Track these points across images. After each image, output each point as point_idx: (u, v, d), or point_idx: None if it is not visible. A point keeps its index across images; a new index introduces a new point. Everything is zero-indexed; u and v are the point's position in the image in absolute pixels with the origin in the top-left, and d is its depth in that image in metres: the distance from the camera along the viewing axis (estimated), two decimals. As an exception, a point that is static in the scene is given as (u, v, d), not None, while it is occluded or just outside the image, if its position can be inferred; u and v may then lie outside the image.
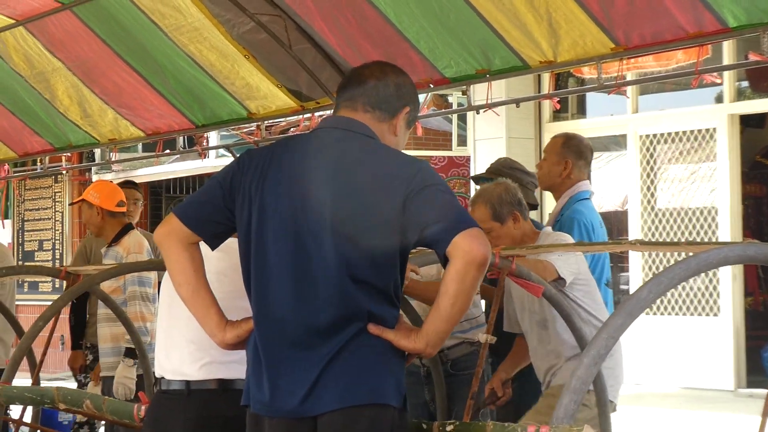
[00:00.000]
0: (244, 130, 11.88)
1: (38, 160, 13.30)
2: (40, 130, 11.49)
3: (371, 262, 3.87)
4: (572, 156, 7.35)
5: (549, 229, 6.71)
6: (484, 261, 3.81)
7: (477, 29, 7.63)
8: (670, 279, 3.79)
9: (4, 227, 16.05)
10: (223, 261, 4.29)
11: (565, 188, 7.32)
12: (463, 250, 3.75)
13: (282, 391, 3.89)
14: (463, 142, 17.54)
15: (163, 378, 4.61)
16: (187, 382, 4.52)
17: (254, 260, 4.01)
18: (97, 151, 16.55)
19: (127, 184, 9.23)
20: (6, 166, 12.79)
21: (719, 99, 15.03)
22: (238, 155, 4.71)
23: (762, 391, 13.71)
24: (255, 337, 3.99)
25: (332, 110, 9.06)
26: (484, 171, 8.35)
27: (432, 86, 8.48)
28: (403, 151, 7.25)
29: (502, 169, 7.90)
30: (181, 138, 12.17)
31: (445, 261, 3.83)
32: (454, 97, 14.89)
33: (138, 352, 7.49)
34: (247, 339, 4.05)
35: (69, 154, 12.91)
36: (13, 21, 10.06)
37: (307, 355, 3.88)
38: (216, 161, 16.87)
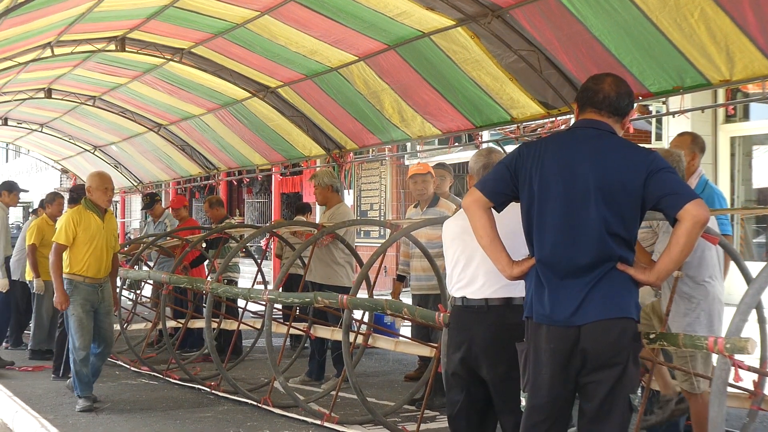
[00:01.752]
0: (507, 129, 11.75)
1: (371, 150, 13.53)
2: (373, 130, 11.66)
3: (621, 221, 3.86)
4: (698, 150, 6.90)
5: None
6: (706, 221, 3.80)
7: (674, 57, 7.39)
8: None
9: (349, 194, 16.37)
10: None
11: (690, 173, 6.85)
12: (692, 214, 3.74)
13: (558, 307, 3.89)
14: (658, 138, 16.95)
15: (464, 297, 4.61)
16: (486, 300, 4.53)
17: (536, 220, 4.00)
18: (408, 144, 16.69)
19: (438, 165, 9.09)
20: (351, 154, 13.04)
21: None
22: (515, 146, 4.66)
23: None
24: (537, 270, 3.98)
25: (570, 114, 8.94)
26: None
27: (641, 98, 8.20)
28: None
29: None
30: (464, 134, 12.14)
31: (674, 221, 3.81)
32: (653, 105, 14.30)
33: (438, 280, 7.46)
34: (527, 273, 4.03)
35: (390, 145, 13.06)
36: (356, 58, 10.24)
37: (575, 283, 3.88)
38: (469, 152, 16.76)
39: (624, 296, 3.88)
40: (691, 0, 6.72)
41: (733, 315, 3.51)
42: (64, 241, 7.66)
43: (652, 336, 4.16)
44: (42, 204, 11.59)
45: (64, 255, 7.72)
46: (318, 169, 11.56)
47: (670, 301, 5.11)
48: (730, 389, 4.29)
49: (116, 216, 19.53)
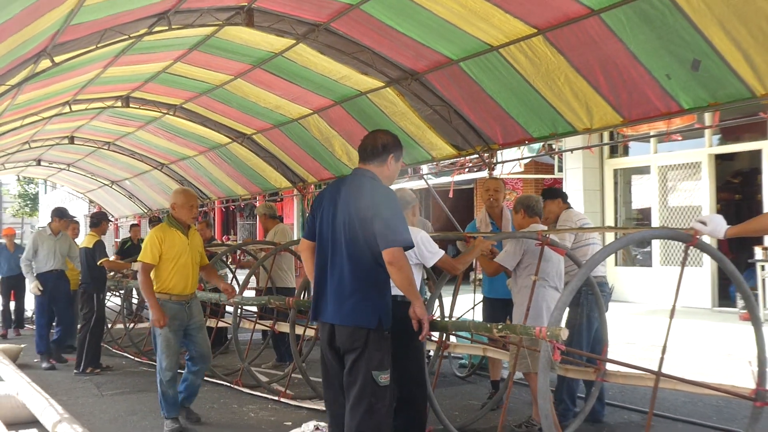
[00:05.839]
0: (429, 165, 11.96)
1: (324, 183, 13.65)
2: (327, 167, 11.80)
3: (367, 246, 4.06)
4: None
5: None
6: (391, 261, 4.00)
7: (548, 111, 7.65)
8: (611, 249, 3.84)
9: None
10: None
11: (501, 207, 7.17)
12: (384, 255, 4.02)
13: (325, 310, 4.20)
14: (560, 169, 17.33)
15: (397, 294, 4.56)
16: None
17: (318, 245, 4.28)
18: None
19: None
20: (312, 186, 13.19)
21: (708, 144, 14.43)
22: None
23: (729, 309, 13.25)
24: (317, 283, 4.28)
25: (474, 155, 9.17)
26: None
27: (527, 142, 8.47)
28: (496, 175, 7.29)
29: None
30: (410, 168, 12.29)
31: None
32: (557, 145, 14.67)
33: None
34: None
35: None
36: (311, 111, 10.44)
37: (333, 293, 4.16)
38: (419, 182, 17.00)
39: (365, 310, 4.07)
40: (557, 67, 7.01)
41: (552, 310, 3.77)
42: (150, 260, 6.32)
43: (500, 326, 4.39)
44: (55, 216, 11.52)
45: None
46: (259, 204, 11.73)
47: (530, 300, 5.41)
48: (630, 370, 4.57)
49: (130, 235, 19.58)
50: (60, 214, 10.32)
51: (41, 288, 9.96)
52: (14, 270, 12.92)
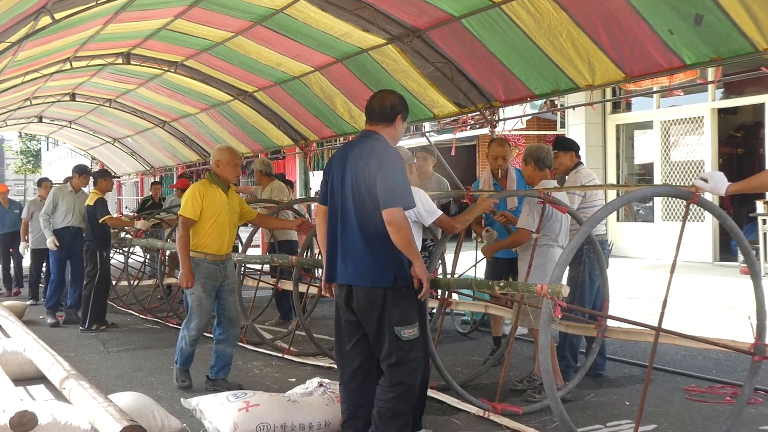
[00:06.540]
0: (431, 122, 11.90)
1: (326, 141, 13.68)
2: (329, 125, 11.80)
3: (374, 206, 4.04)
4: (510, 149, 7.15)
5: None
6: (390, 221, 3.97)
7: (550, 68, 7.61)
8: (612, 207, 3.86)
9: (314, 176, 16.23)
10: None
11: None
12: (384, 215, 4.00)
13: (339, 270, 4.22)
14: (562, 125, 17.26)
15: None
16: None
17: (329, 208, 4.29)
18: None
19: (421, 148, 8.77)
20: (314, 144, 13.20)
21: (711, 98, 14.36)
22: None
23: (729, 263, 13.31)
24: (329, 246, 4.30)
25: (476, 112, 9.13)
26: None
27: (529, 99, 8.45)
28: (498, 132, 7.14)
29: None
30: (412, 126, 12.22)
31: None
32: (559, 101, 14.57)
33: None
34: None
35: (343, 137, 13.14)
36: (313, 69, 10.41)
37: (347, 254, 4.17)
38: (421, 140, 16.94)
39: (379, 269, 4.08)
40: (559, 23, 6.97)
41: (554, 268, 3.80)
42: (191, 215, 6.01)
43: (502, 284, 4.42)
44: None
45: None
46: (257, 158, 11.65)
47: (532, 256, 5.43)
48: (630, 326, 4.58)
49: (136, 195, 19.61)
50: (81, 170, 10.15)
51: (57, 244, 9.90)
52: (9, 227, 12.88)
